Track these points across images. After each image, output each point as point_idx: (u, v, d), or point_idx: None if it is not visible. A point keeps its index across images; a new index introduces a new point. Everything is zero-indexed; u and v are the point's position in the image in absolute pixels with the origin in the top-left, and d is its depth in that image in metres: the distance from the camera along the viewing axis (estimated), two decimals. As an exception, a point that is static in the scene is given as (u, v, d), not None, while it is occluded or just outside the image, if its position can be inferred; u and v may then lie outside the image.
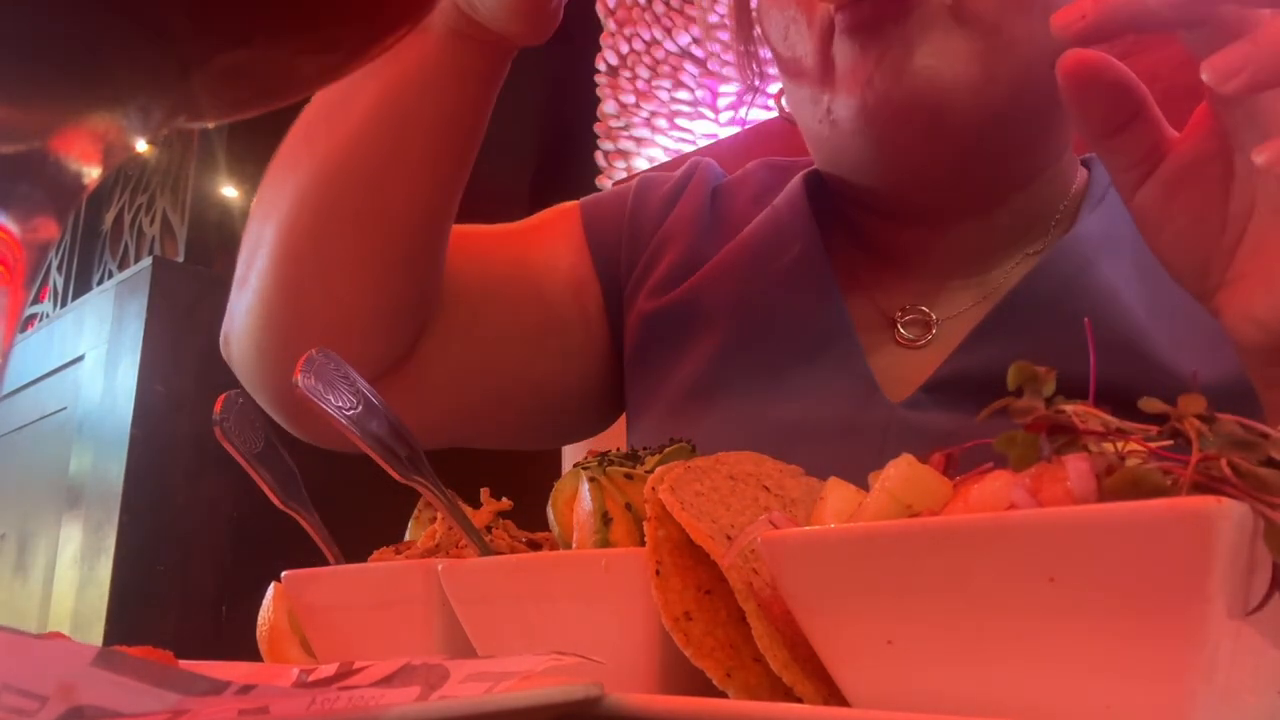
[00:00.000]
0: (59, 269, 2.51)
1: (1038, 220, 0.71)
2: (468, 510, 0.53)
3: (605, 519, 0.43)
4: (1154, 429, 0.30)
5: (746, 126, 1.80)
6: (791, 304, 0.72)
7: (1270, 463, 0.27)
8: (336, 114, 0.68)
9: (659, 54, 2.03)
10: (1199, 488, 0.27)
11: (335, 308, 0.68)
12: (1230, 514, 0.25)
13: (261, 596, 0.63)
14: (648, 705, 0.32)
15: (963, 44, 0.61)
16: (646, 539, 0.38)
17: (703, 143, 1.98)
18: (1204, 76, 0.40)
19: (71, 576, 1.85)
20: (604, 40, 2.09)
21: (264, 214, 0.69)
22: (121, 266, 2.28)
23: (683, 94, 2.01)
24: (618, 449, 0.49)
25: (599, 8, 2.10)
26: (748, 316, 0.73)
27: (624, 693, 0.32)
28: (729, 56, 1.80)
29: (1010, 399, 0.31)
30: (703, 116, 2.00)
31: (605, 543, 0.43)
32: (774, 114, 0.77)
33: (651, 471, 0.42)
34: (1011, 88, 0.63)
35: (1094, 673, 0.27)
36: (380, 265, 0.68)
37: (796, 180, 0.78)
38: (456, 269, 0.74)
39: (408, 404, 0.72)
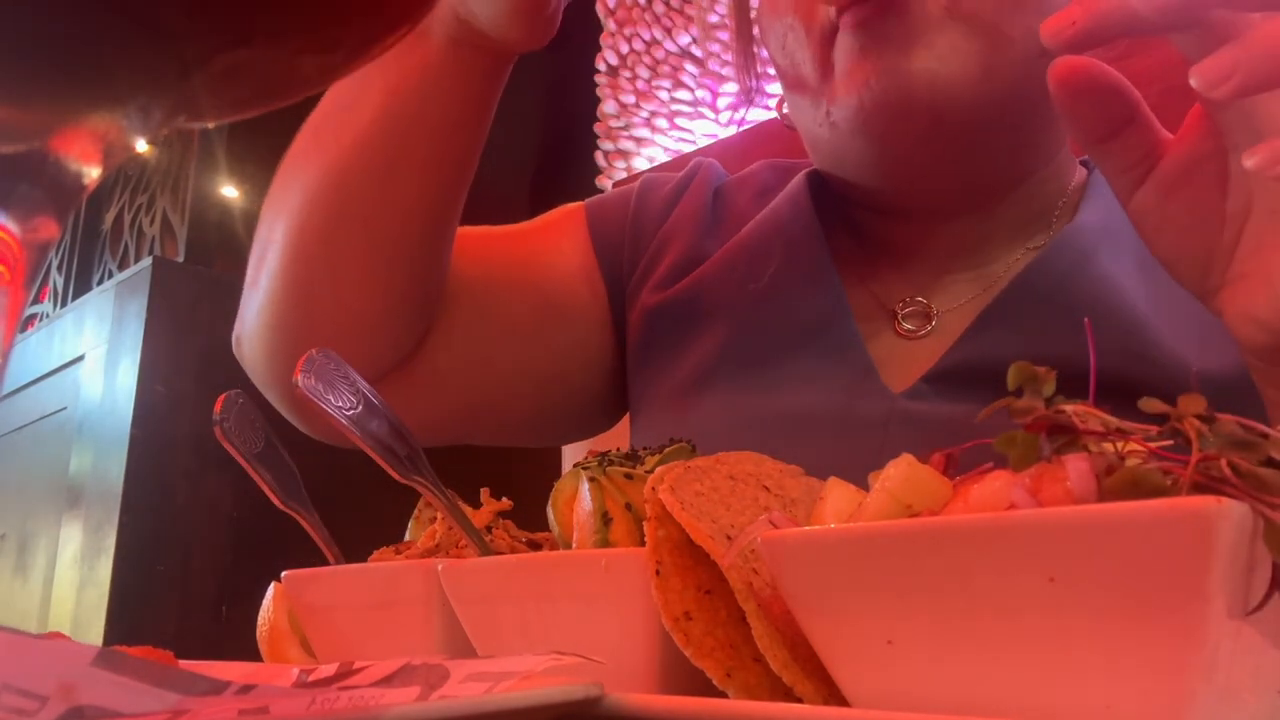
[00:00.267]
0: (59, 269, 2.51)
1: (1038, 214, 0.71)
2: (468, 510, 0.53)
3: (605, 519, 0.43)
4: (1154, 429, 0.30)
5: (746, 127, 1.80)
6: (792, 295, 0.72)
7: (1270, 463, 0.27)
8: (343, 119, 0.68)
9: (659, 54, 2.03)
10: (1199, 488, 0.27)
11: (343, 308, 0.69)
12: (1230, 514, 0.25)
13: (261, 596, 0.63)
14: (648, 705, 0.32)
15: (960, 43, 0.61)
16: (646, 539, 0.38)
17: (703, 143, 1.98)
18: (1193, 82, 0.40)
19: (71, 576, 1.85)
20: (604, 40, 2.09)
21: (273, 217, 0.70)
22: (121, 266, 2.28)
23: (683, 94, 2.01)
24: (618, 449, 0.49)
25: (599, 8, 2.10)
26: (749, 309, 0.73)
27: (624, 693, 0.32)
28: (729, 56, 1.80)
29: (1010, 398, 0.31)
30: (703, 116, 2.00)
31: (605, 543, 0.43)
32: (774, 114, 0.78)
33: (651, 471, 0.42)
34: (1010, 85, 0.63)
35: (1094, 672, 0.27)
36: (387, 266, 0.69)
37: (799, 178, 0.79)
38: (462, 269, 0.75)
39: (413, 401, 0.72)
